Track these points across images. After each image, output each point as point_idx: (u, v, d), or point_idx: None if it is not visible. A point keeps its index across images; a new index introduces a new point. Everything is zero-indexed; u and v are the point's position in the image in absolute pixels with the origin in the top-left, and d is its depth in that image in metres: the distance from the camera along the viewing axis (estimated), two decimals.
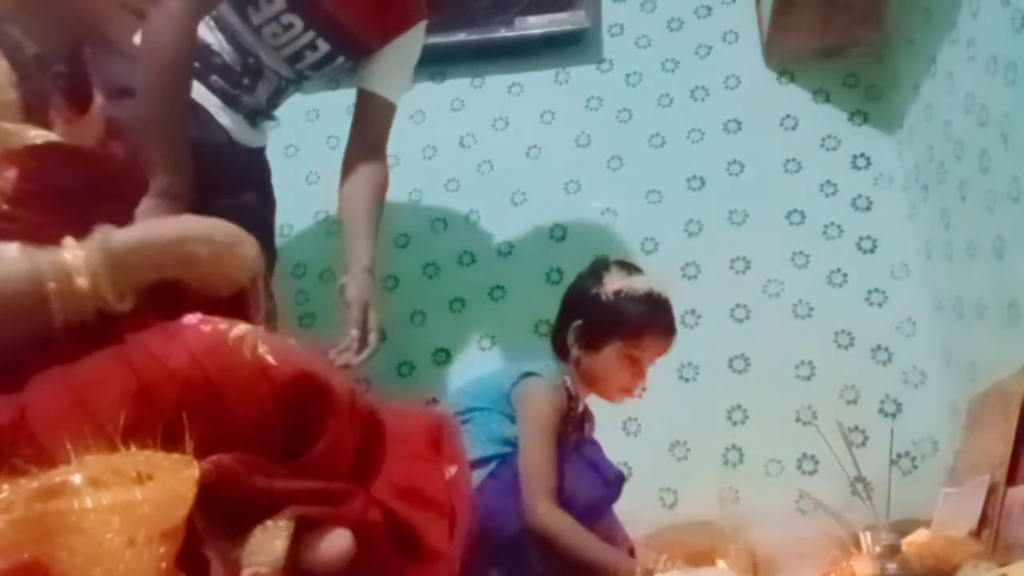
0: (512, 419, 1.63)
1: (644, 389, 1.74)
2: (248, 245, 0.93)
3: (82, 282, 0.81)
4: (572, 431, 1.68)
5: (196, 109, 1.59)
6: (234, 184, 1.68)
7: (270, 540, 0.74)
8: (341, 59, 1.85)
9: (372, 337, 1.63)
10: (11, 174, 0.87)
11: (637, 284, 1.69)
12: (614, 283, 1.69)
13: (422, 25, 1.95)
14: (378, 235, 1.79)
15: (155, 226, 0.93)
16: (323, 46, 1.77)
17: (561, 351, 1.74)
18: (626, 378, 1.69)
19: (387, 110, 1.89)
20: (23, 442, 0.68)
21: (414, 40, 1.93)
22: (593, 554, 1.49)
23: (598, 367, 1.69)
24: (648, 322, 1.67)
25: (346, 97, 2.69)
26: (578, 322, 1.71)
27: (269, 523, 0.75)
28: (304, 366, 0.82)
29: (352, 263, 1.71)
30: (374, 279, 1.72)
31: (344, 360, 1.56)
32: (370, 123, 1.87)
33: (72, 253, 0.82)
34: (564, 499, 1.54)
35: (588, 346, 1.69)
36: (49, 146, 0.91)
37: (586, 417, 1.81)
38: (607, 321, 1.67)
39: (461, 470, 0.98)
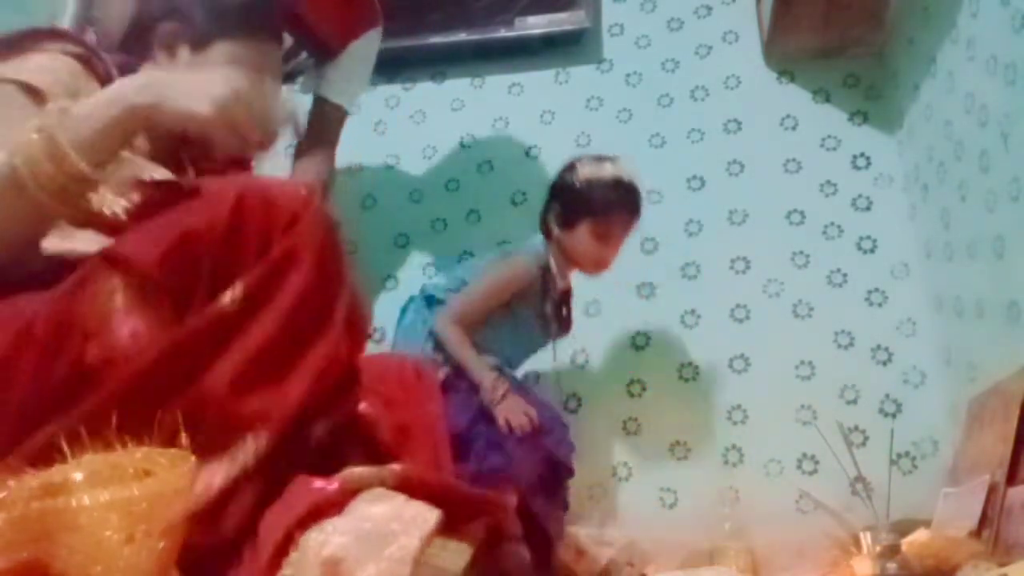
0: None
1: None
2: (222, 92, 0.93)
3: (41, 148, 0.84)
4: (549, 304, 1.94)
5: None
6: None
7: (452, 558, 0.80)
8: (303, 55, 1.97)
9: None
10: (135, 197, 0.97)
11: (605, 171, 1.93)
12: (585, 171, 1.93)
13: (378, 31, 2.03)
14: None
15: (115, 89, 0.95)
16: (288, 40, 1.81)
17: (547, 234, 1.98)
18: (597, 251, 1.93)
19: (340, 115, 1.98)
20: None
21: (369, 45, 2.02)
22: (468, 364, 1.78)
23: (574, 243, 1.93)
24: (613, 203, 1.92)
25: None
26: (556, 206, 1.95)
27: (451, 543, 0.81)
28: None
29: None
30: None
31: None
32: (324, 127, 1.94)
33: (32, 127, 0.85)
34: (503, 358, 1.87)
35: (565, 225, 1.93)
36: (168, 182, 1.03)
37: (570, 295, 2.06)
38: (579, 203, 1.91)
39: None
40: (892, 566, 1.61)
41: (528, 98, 2.53)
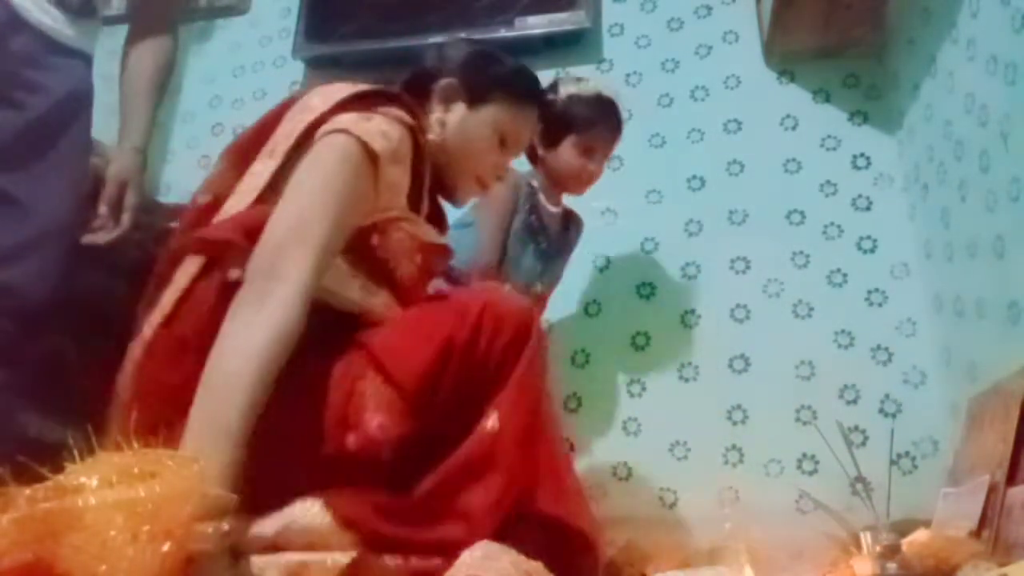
0: None
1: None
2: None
3: None
4: (536, 222, 1.93)
5: None
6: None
7: None
8: None
9: (125, 218, 1.46)
10: (403, 236, 1.16)
11: (586, 88, 1.95)
12: (567, 89, 1.95)
13: None
14: (156, 116, 1.58)
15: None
16: None
17: (533, 160, 1.99)
18: (582, 166, 1.94)
19: None
20: None
21: None
22: None
23: (559, 162, 1.94)
24: (596, 118, 1.93)
25: None
26: (541, 126, 1.86)
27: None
28: None
29: (120, 140, 1.52)
30: (145, 161, 1.51)
31: (92, 240, 1.42)
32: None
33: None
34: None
35: (549, 145, 1.94)
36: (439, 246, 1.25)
37: (571, 219, 2.08)
38: (562, 121, 1.91)
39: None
40: (892, 566, 1.61)
41: None
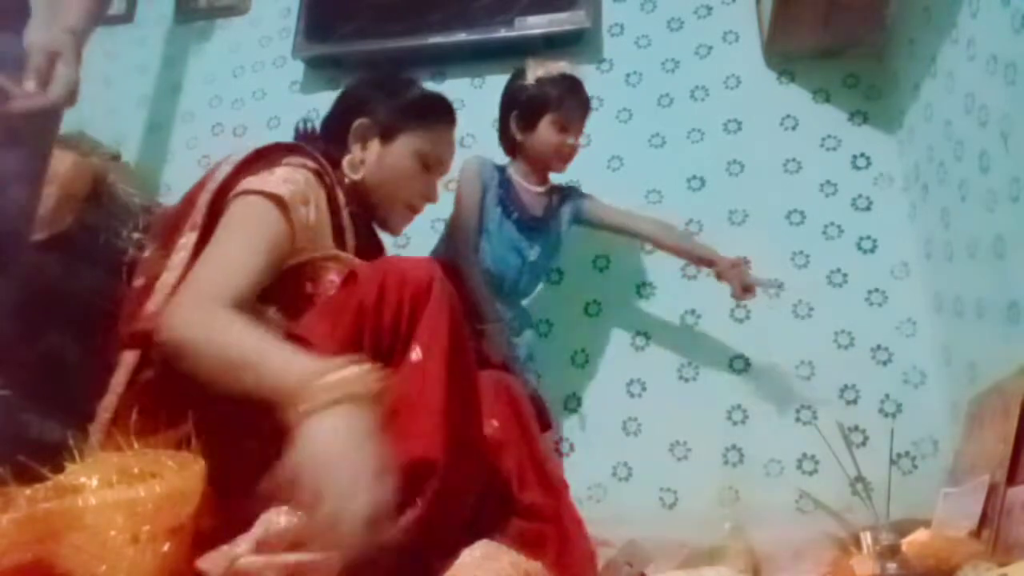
0: None
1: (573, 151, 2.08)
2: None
3: None
4: (508, 196, 2.04)
5: None
6: None
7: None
8: None
9: (54, 88, 1.24)
10: (335, 277, 1.18)
11: (552, 69, 2.05)
12: (535, 73, 2.04)
13: None
14: (96, 10, 1.37)
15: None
16: None
17: (510, 148, 2.10)
18: (561, 141, 2.03)
19: None
20: None
21: None
22: (483, 301, 1.92)
23: (538, 141, 2.03)
24: (566, 94, 2.02)
25: None
26: (515, 112, 2.05)
27: None
28: None
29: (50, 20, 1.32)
30: (78, 43, 1.30)
31: (14, 108, 1.21)
32: None
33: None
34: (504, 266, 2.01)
35: (525, 128, 2.03)
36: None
37: (566, 195, 2.15)
38: (536, 103, 2.02)
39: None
40: (892, 566, 1.61)
41: None
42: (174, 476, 0.63)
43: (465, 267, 1.93)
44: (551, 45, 2.58)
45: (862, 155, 2.31)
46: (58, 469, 0.64)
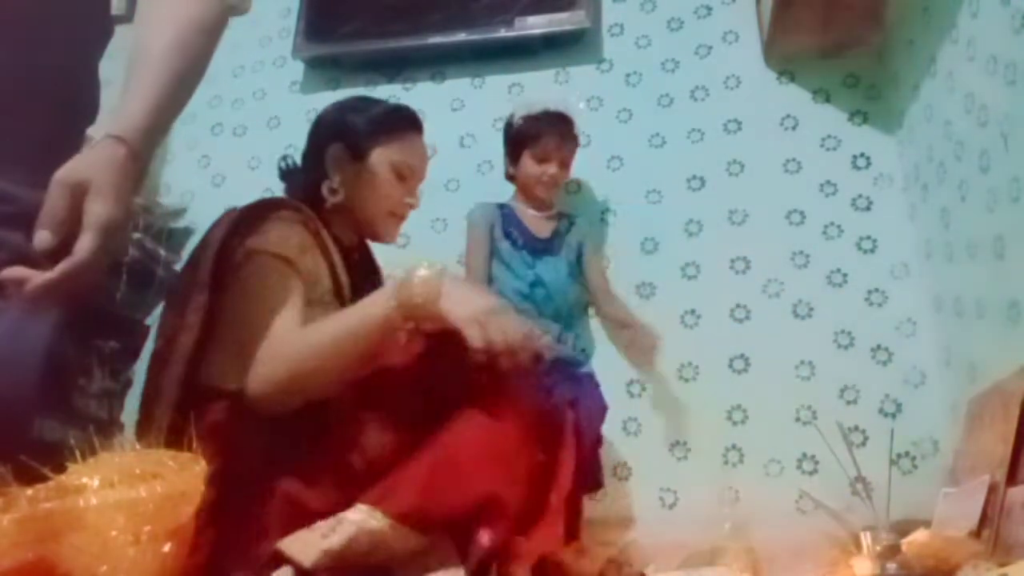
0: None
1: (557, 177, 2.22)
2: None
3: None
4: (518, 233, 2.19)
5: None
6: None
7: None
8: None
9: (85, 241, 0.84)
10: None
11: (533, 107, 2.22)
12: (519, 113, 2.22)
13: None
14: (176, 99, 1.05)
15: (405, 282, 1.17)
16: None
17: (510, 177, 2.28)
18: (540, 171, 2.18)
19: None
20: None
21: None
22: None
23: (523, 174, 2.21)
24: (542, 130, 2.18)
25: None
26: (506, 151, 2.26)
27: None
28: None
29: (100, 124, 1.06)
30: (133, 159, 0.91)
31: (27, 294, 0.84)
32: None
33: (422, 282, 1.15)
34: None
35: (513, 162, 2.23)
36: None
37: (571, 221, 2.28)
38: (517, 139, 2.21)
39: None
40: (892, 566, 1.61)
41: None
42: (175, 476, 0.63)
43: None
44: (551, 45, 2.58)
45: (862, 155, 2.31)
46: (59, 469, 0.64)
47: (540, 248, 2.19)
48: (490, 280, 2.13)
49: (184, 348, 1.21)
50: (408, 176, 1.52)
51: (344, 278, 1.38)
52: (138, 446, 0.65)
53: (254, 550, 1.05)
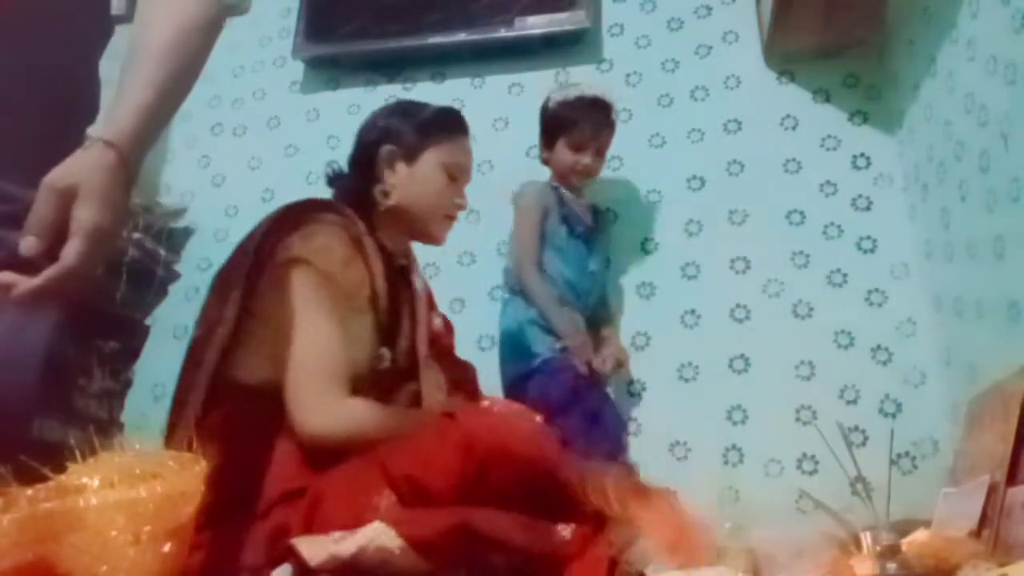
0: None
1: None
2: None
3: None
4: (575, 220, 2.15)
5: None
6: None
7: None
8: None
9: (72, 247, 0.82)
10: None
11: (570, 93, 2.19)
12: (556, 97, 2.19)
13: None
14: (168, 101, 0.97)
15: None
16: None
17: (545, 161, 2.23)
18: (574, 160, 2.15)
19: None
20: None
21: None
22: (551, 313, 2.02)
23: (556, 160, 2.18)
24: (579, 116, 2.14)
25: (347, 97, 2.71)
26: (541, 135, 2.22)
27: None
28: None
29: (97, 125, 1.03)
30: (123, 163, 0.88)
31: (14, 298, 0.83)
32: None
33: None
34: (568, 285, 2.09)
35: (548, 147, 2.20)
36: None
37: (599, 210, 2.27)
38: (553, 125, 2.18)
39: None
40: (892, 566, 1.61)
41: (528, 98, 2.53)
42: (175, 477, 0.63)
43: (530, 286, 2.04)
44: (551, 45, 2.58)
45: (862, 155, 2.31)
46: (59, 469, 0.64)
47: (591, 239, 2.17)
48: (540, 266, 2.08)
49: (220, 340, 1.25)
50: (458, 176, 1.54)
51: (381, 285, 1.38)
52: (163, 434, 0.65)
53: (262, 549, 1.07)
